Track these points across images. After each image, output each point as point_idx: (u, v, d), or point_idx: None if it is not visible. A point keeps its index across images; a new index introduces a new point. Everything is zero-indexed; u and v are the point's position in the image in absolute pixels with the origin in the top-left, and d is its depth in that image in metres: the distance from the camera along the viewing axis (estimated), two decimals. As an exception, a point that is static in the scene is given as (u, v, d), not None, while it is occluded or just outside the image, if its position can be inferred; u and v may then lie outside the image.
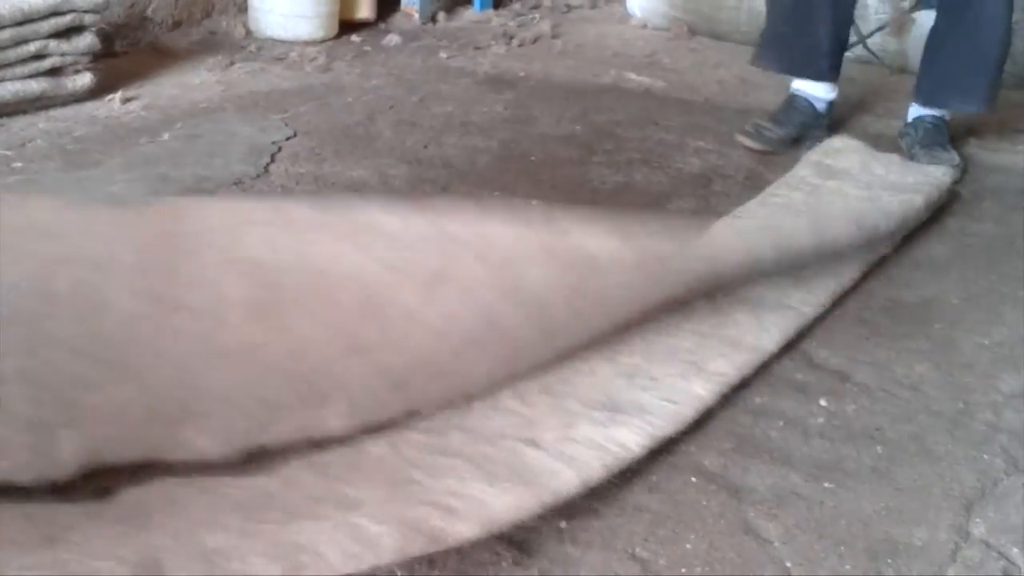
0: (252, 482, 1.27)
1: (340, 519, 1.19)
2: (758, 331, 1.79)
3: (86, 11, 2.78)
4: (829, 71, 2.86)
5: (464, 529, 1.21)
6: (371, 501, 1.24)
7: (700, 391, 1.59)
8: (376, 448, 1.38)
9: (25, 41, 2.67)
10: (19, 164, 2.42)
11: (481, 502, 1.26)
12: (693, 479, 1.48)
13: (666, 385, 1.59)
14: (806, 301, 1.92)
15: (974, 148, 2.96)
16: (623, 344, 1.72)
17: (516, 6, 4.27)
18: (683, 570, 1.32)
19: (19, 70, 2.69)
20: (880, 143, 2.78)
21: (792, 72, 2.89)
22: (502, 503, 1.27)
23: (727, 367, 1.67)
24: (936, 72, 2.76)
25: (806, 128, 2.88)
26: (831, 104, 2.93)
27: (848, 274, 2.06)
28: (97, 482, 1.25)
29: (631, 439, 1.44)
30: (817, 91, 2.88)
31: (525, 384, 1.57)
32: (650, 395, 1.55)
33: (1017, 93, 3.46)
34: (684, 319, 1.82)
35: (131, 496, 1.23)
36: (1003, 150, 2.99)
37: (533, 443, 1.41)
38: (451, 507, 1.24)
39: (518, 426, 1.46)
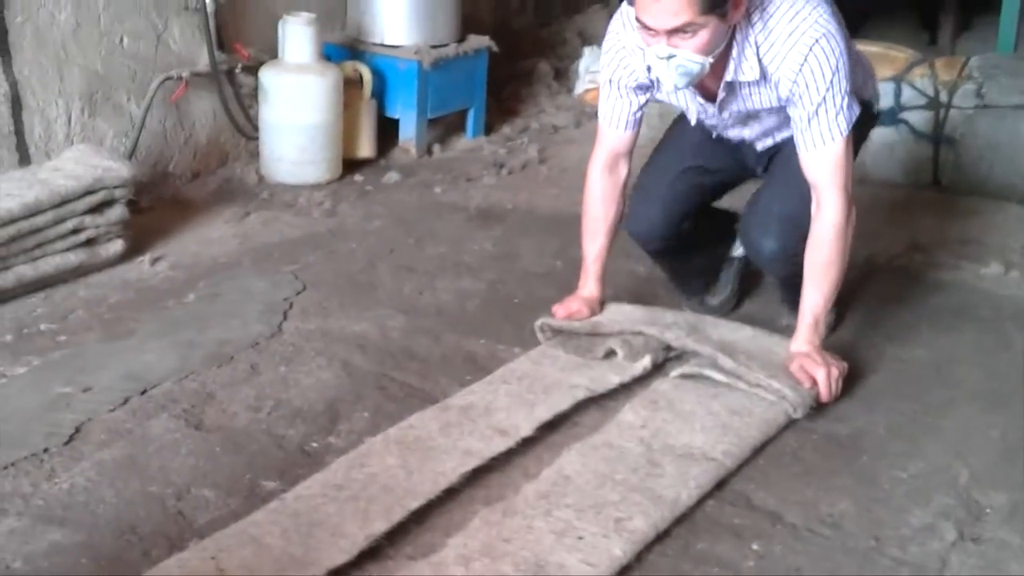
0: None
1: None
2: (679, 485, 2.09)
3: (116, 187, 3.14)
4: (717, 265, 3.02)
5: None
6: None
7: (617, 552, 1.89)
8: None
9: (63, 220, 3.04)
10: (63, 338, 2.76)
11: None
12: (639, 629, 1.78)
13: (589, 545, 1.90)
14: (729, 453, 2.22)
15: (919, 264, 3.27)
16: (561, 495, 2.03)
17: (506, 130, 4.62)
18: None
19: (59, 245, 3.05)
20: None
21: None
22: None
23: (644, 525, 1.97)
24: None
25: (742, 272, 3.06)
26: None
27: (776, 423, 2.35)
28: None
29: None
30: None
31: (474, 539, 1.90)
32: (574, 557, 1.86)
33: (964, 200, 3.78)
34: (618, 466, 2.13)
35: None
36: (946, 265, 3.29)
37: None
38: None
39: None
